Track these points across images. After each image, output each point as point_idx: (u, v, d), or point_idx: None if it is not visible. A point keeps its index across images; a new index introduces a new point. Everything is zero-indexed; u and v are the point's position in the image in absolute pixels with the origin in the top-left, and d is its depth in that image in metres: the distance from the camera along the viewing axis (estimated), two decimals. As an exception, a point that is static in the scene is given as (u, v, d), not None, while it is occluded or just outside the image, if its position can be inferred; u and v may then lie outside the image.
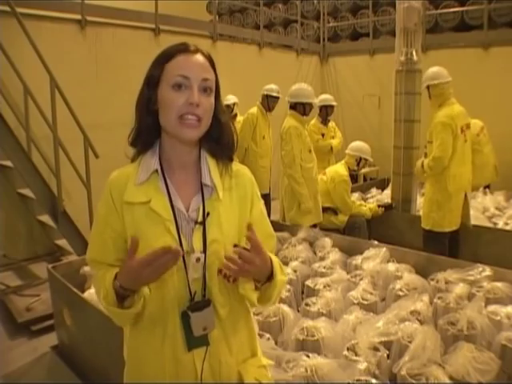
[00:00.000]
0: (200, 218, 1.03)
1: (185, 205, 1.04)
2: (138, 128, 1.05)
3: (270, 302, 1.07)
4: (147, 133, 1.05)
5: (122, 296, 0.98)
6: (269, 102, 4.49)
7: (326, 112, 4.90)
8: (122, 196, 1.03)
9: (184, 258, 1.01)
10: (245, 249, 0.97)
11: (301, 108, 3.62)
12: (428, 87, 3.41)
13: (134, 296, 0.98)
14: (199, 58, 1.02)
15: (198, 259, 1.00)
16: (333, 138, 5.03)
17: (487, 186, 4.81)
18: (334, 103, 4.89)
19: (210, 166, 1.07)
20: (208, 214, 1.03)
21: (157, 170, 1.04)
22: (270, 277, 1.04)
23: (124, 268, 0.94)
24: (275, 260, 1.06)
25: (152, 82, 1.02)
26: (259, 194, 1.16)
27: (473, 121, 4.80)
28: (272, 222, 1.18)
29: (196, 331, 1.00)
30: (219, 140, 1.08)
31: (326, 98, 4.93)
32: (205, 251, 1.02)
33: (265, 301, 1.07)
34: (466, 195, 3.41)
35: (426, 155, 3.44)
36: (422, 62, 4.10)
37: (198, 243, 1.02)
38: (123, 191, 1.03)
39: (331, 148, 4.89)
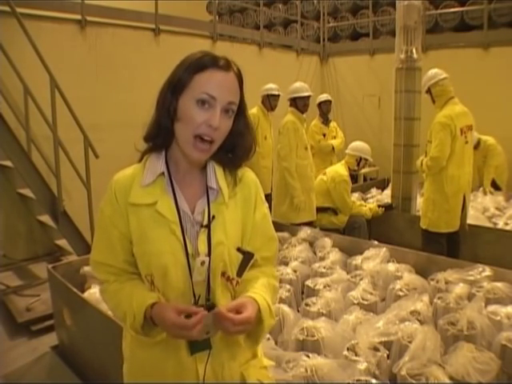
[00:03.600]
0: (205, 221, 1.02)
1: (190, 207, 1.04)
2: (158, 128, 1.02)
3: (256, 343, 1.08)
4: (166, 134, 1.02)
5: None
6: (270, 102, 4.51)
7: (322, 110, 4.94)
8: (127, 197, 1.02)
9: (188, 260, 1.00)
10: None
11: (295, 103, 3.71)
12: (429, 90, 3.40)
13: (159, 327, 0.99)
14: (230, 77, 0.99)
15: (202, 262, 1.00)
16: (334, 138, 5.05)
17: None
18: (328, 98, 4.97)
19: (216, 170, 1.07)
20: (213, 217, 1.03)
21: (163, 173, 1.03)
22: (259, 319, 1.02)
23: (162, 316, 0.95)
24: (263, 304, 1.01)
25: (178, 89, 0.99)
26: (263, 196, 1.15)
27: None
28: (272, 222, 1.18)
29: None
30: (232, 152, 1.07)
31: (320, 96, 5.07)
32: (209, 254, 1.01)
33: (251, 341, 1.07)
34: (464, 197, 3.37)
35: (426, 154, 3.44)
36: (421, 59, 4.10)
37: (202, 246, 1.01)
38: (128, 192, 1.02)
39: (333, 148, 4.91)
